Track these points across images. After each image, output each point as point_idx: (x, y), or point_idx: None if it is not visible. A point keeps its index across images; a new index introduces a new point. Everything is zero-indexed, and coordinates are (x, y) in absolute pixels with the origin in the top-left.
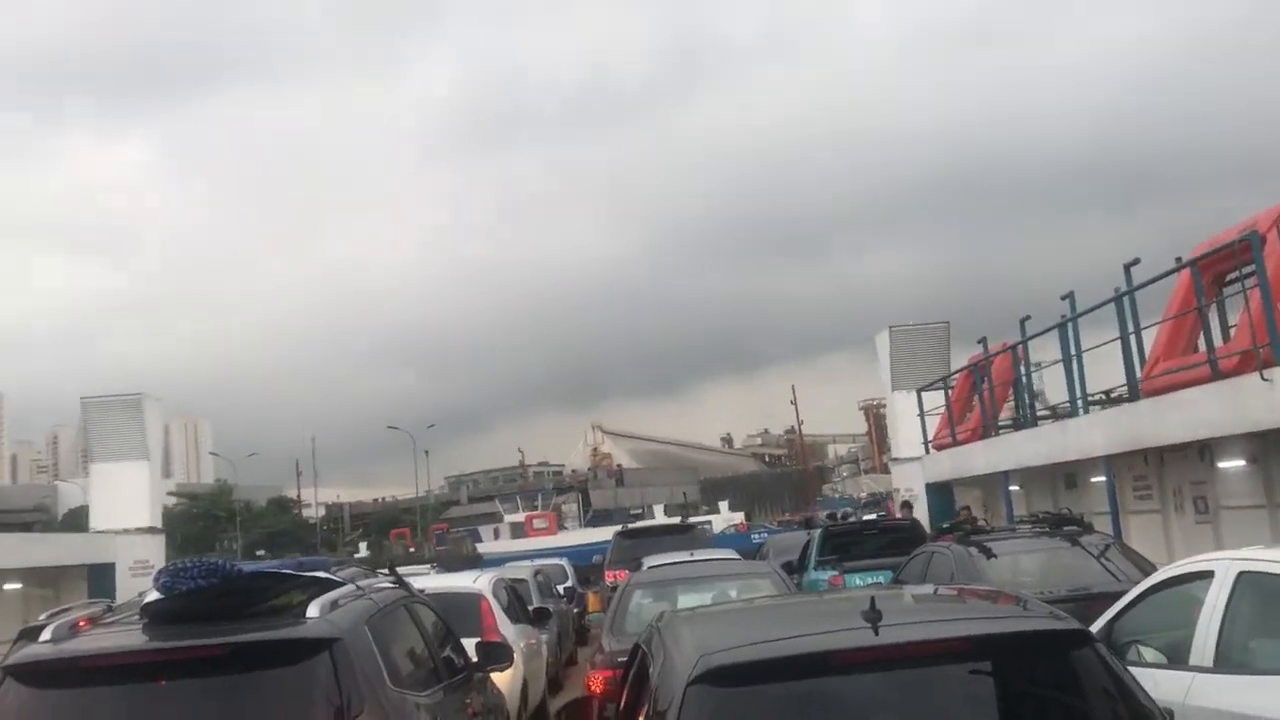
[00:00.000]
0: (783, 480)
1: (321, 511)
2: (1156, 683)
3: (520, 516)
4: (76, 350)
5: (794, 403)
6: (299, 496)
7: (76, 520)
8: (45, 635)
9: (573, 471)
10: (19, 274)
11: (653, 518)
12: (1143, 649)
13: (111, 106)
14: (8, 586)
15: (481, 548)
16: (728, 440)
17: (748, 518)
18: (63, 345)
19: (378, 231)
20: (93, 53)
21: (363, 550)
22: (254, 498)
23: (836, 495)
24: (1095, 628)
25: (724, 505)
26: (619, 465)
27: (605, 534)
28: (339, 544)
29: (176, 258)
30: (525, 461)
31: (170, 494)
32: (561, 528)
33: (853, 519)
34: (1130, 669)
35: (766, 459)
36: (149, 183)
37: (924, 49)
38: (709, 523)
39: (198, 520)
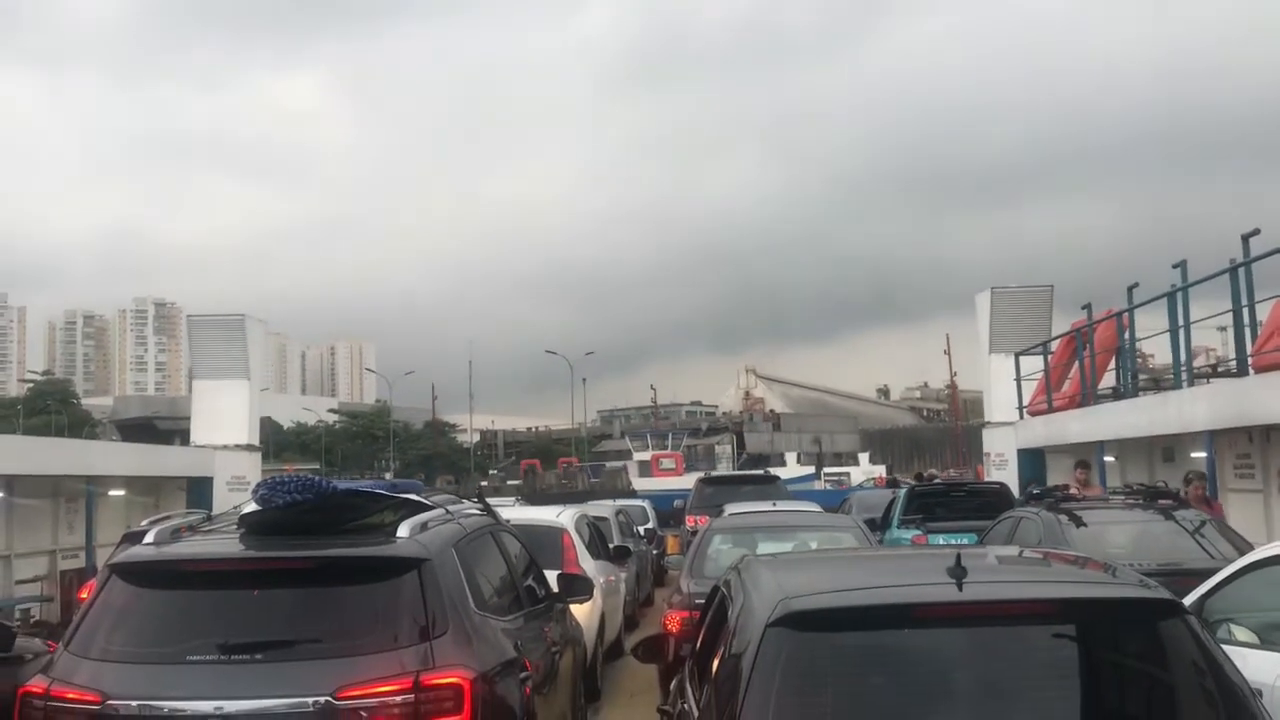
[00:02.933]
0: (945, 435)
1: (476, 437)
2: (1247, 662)
3: (647, 455)
4: (252, 271)
5: (947, 353)
6: (434, 417)
7: None
8: (148, 538)
9: (724, 414)
10: (200, 196)
11: (784, 465)
12: (1234, 628)
13: (290, 38)
14: (112, 493)
15: (646, 483)
16: (884, 392)
17: (890, 471)
18: (239, 266)
19: (543, 166)
20: None
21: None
22: (412, 419)
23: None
24: (1186, 602)
25: (864, 458)
26: (772, 410)
27: (784, 475)
28: (493, 468)
29: (348, 186)
30: (658, 400)
31: (331, 410)
32: (704, 468)
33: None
34: (1221, 646)
35: (925, 413)
36: (324, 112)
37: None
38: (847, 474)
39: (356, 439)
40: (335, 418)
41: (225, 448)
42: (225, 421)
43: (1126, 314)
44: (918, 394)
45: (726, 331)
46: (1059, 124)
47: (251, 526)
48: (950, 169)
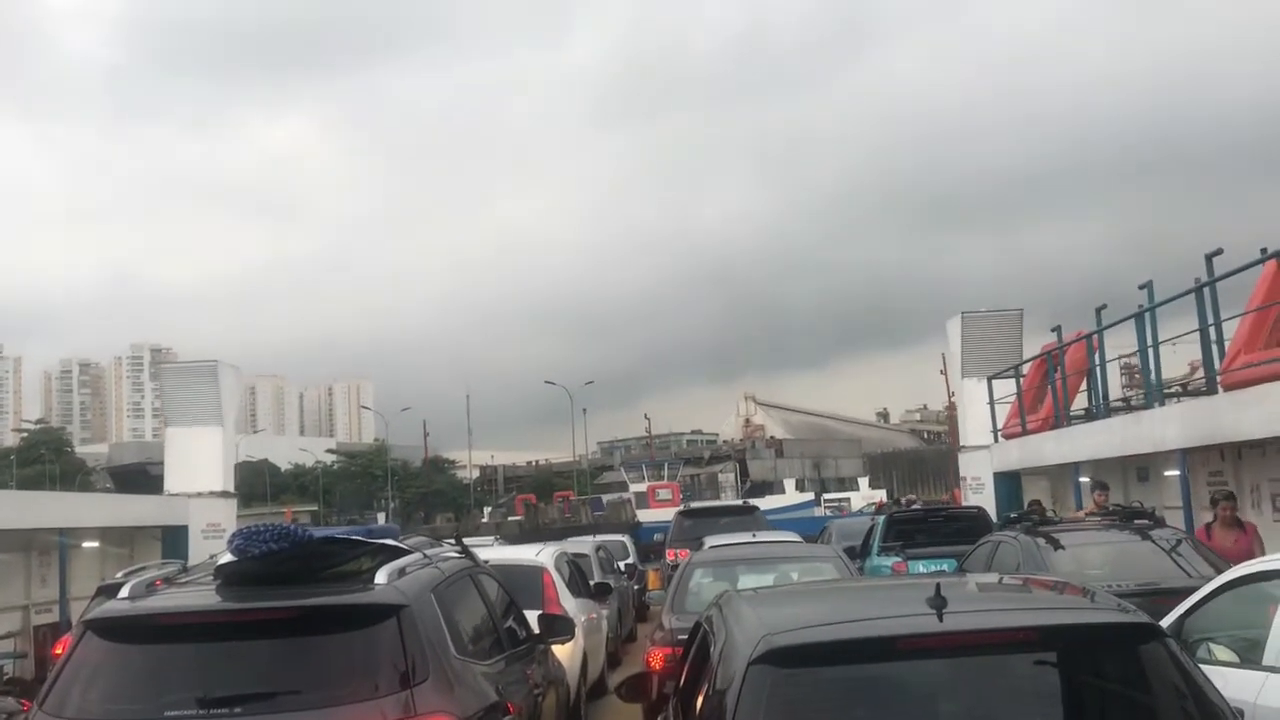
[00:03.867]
0: (946, 457)
1: (475, 473)
2: (1227, 681)
3: (643, 486)
4: (247, 313)
5: (944, 372)
6: (426, 454)
7: (239, 474)
8: (123, 592)
9: (725, 442)
10: (194, 239)
11: (783, 492)
12: (1214, 647)
13: (280, 78)
14: (85, 545)
15: (642, 515)
16: (884, 415)
17: (890, 495)
18: (234, 308)
19: (536, 198)
20: (262, 26)
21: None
22: (410, 457)
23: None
24: (1165, 623)
25: (864, 482)
26: (772, 436)
27: (767, 505)
28: (492, 505)
29: (342, 224)
30: (653, 430)
31: (329, 451)
32: (708, 497)
33: (917, 506)
34: (1200, 666)
35: (925, 435)
36: (316, 152)
37: (1099, 4)
38: (847, 499)
39: (355, 479)
40: (333, 458)
41: (200, 495)
42: (199, 468)
43: (1095, 335)
44: (918, 416)
45: (724, 359)
46: (1050, 141)
47: (228, 577)
48: (943, 190)
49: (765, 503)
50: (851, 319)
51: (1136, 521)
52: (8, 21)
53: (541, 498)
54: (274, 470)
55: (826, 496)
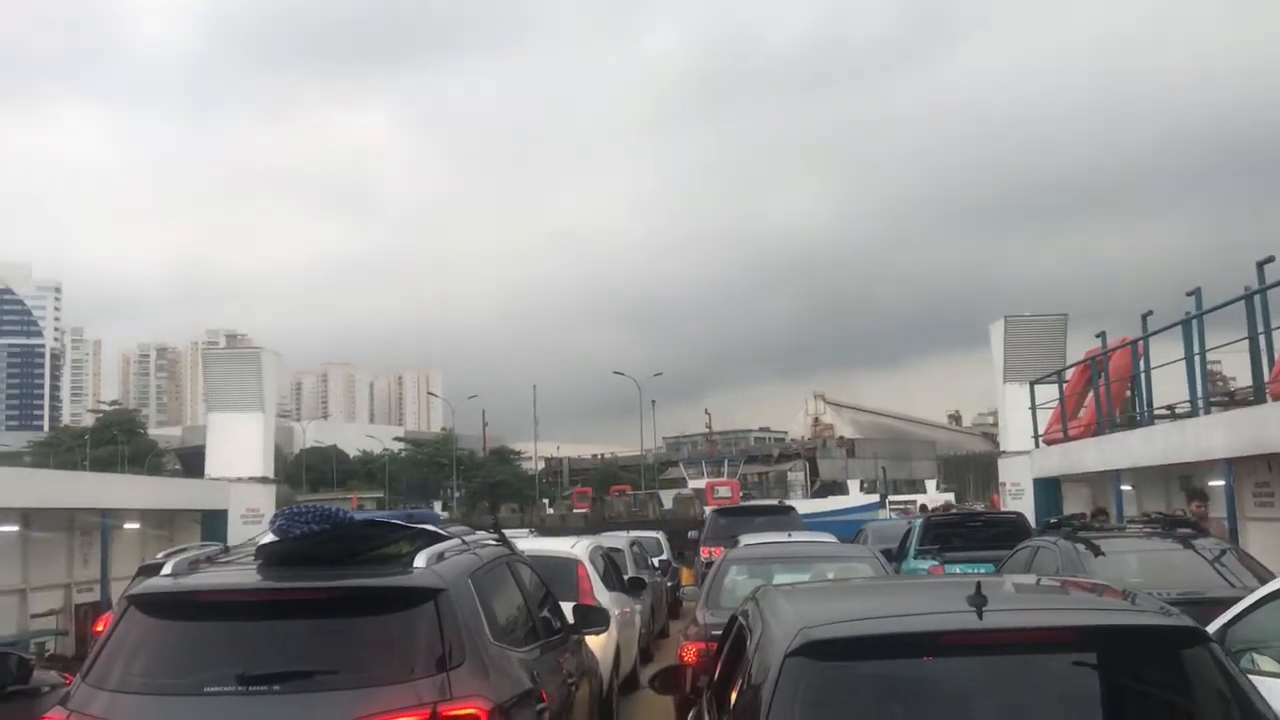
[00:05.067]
0: None
1: (541, 465)
2: (1272, 693)
3: (702, 483)
4: (320, 304)
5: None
6: (485, 445)
7: (307, 459)
8: (166, 569)
9: (793, 440)
10: (269, 226)
11: (846, 493)
12: (1258, 657)
13: (355, 73)
14: (127, 526)
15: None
16: (955, 418)
17: (959, 499)
18: (308, 298)
19: (607, 193)
20: (338, 21)
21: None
22: (477, 447)
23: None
24: (1209, 631)
25: (931, 484)
26: (842, 436)
27: (831, 505)
28: (556, 497)
29: (415, 216)
30: (714, 426)
31: (397, 439)
32: (777, 495)
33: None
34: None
35: (997, 439)
36: (389, 144)
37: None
38: (914, 502)
39: (421, 467)
40: (400, 446)
41: (240, 480)
42: (240, 454)
43: (1141, 342)
44: (990, 419)
45: (793, 356)
46: (1128, 141)
47: (268, 557)
48: (1018, 188)
49: (828, 503)
50: (924, 318)
51: (1179, 530)
52: (95, 13)
53: (600, 491)
54: (342, 456)
55: (892, 498)
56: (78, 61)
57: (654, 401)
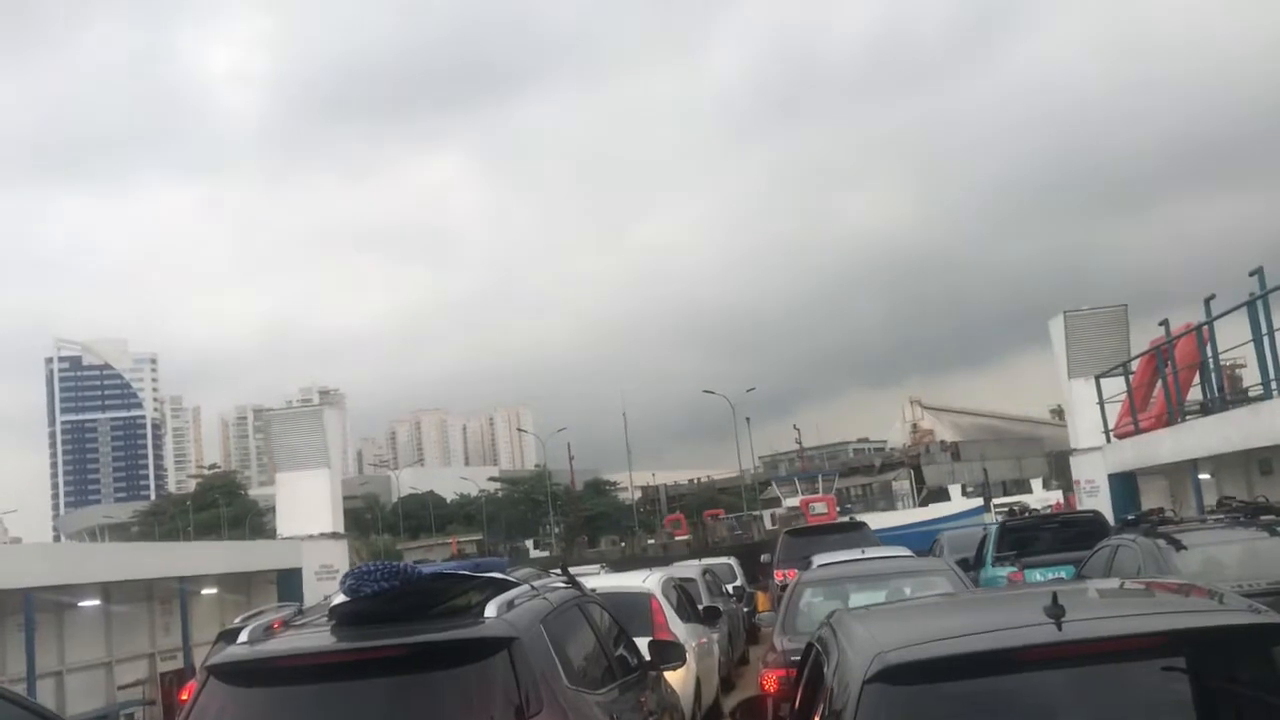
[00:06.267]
0: None
1: (637, 494)
2: None
3: (796, 500)
4: (408, 352)
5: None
6: (571, 480)
7: (405, 507)
8: (243, 637)
9: (893, 449)
10: (354, 283)
11: (948, 499)
12: None
13: (426, 121)
14: (205, 591)
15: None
16: (1058, 412)
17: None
18: (396, 348)
19: (681, 213)
20: (405, 73)
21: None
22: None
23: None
24: None
25: (1037, 484)
26: (944, 440)
27: (931, 514)
28: (656, 526)
29: (495, 258)
30: (816, 440)
31: (491, 479)
32: (882, 506)
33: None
34: None
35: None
36: (464, 186)
37: None
38: (1018, 503)
39: (518, 505)
40: (496, 486)
41: (311, 537)
42: (309, 511)
43: (1206, 327)
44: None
45: (882, 363)
46: (1218, 114)
47: (341, 617)
48: (1100, 173)
49: (928, 511)
50: (1016, 312)
51: (1263, 518)
52: (171, 86)
53: (695, 516)
54: (439, 501)
55: (997, 501)
56: (159, 136)
57: (749, 419)
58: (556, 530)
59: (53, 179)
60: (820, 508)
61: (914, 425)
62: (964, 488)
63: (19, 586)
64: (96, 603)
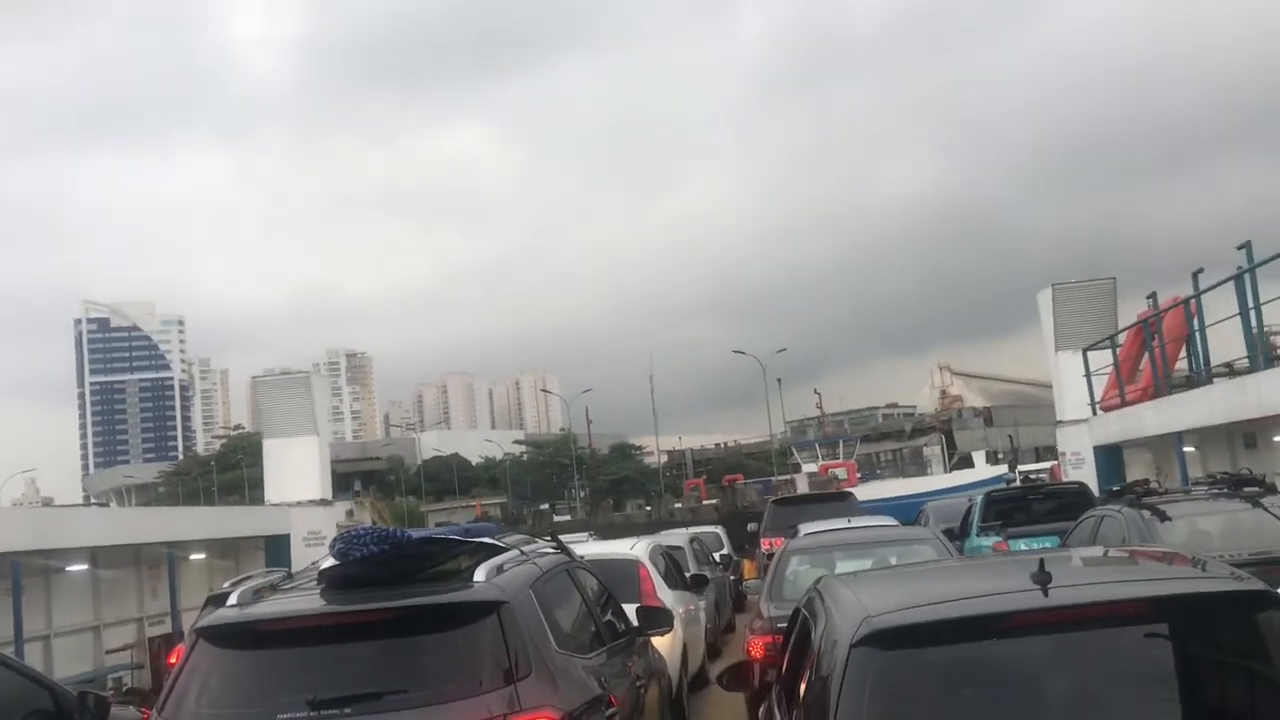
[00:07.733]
0: None
1: (663, 458)
2: None
3: (815, 466)
4: (436, 316)
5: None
6: (590, 443)
7: (429, 469)
8: (232, 600)
9: (922, 414)
10: (381, 246)
11: (971, 465)
12: None
13: (456, 87)
14: (192, 557)
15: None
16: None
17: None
18: (424, 311)
19: (709, 181)
20: (434, 38)
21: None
22: (597, 444)
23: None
24: None
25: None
26: (974, 406)
27: (954, 480)
28: (681, 490)
29: (522, 221)
30: (844, 405)
31: (517, 442)
32: (913, 472)
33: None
34: None
35: None
36: (492, 152)
37: None
38: (1044, 471)
39: (543, 468)
40: (521, 449)
41: (299, 504)
42: (297, 478)
43: (1193, 300)
44: None
45: (909, 330)
46: (1250, 77)
47: (331, 581)
48: (1133, 139)
49: (951, 478)
50: (1050, 277)
51: (1246, 489)
52: (202, 50)
53: (716, 481)
54: (464, 464)
55: (1023, 469)
56: (188, 98)
57: (780, 380)
58: (581, 494)
59: (83, 143)
60: (840, 473)
61: (943, 391)
62: (991, 454)
63: (5, 550)
64: (84, 567)
